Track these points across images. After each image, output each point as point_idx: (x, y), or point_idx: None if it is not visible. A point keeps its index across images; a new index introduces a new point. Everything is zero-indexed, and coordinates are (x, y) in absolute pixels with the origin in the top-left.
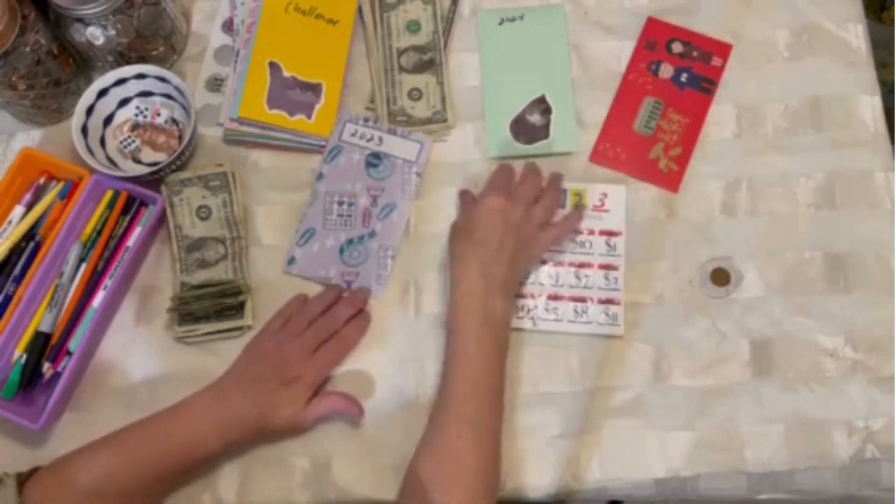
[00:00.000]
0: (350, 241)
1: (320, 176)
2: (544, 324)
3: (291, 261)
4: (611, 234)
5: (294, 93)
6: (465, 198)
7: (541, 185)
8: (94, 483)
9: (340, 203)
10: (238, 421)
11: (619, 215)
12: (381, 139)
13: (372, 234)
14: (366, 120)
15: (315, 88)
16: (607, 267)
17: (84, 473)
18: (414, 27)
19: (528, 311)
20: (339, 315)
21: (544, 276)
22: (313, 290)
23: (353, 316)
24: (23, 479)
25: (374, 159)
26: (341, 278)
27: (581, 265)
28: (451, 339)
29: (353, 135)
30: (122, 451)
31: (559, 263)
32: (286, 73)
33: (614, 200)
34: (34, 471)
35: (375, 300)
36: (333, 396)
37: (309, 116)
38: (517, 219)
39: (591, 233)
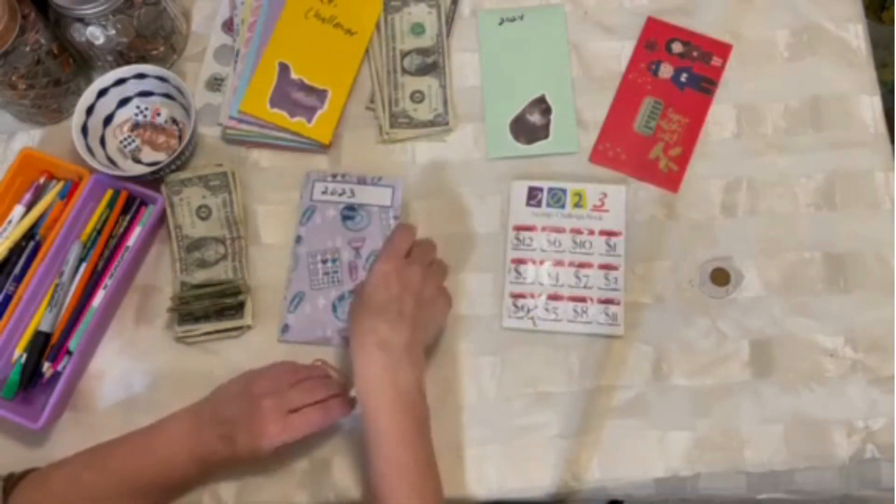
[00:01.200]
0: (342, 297)
1: (298, 239)
2: (544, 324)
3: (285, 329)
4: (611, 234)
5: (299, 95)
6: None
7: (434, 250)
8: (74, 500)
9: (324, 261)
10: (209, 452)
11: (619, 215)
12: (352, 191)
13: None
14: (333, 175)
15: (320, 94)
16: (607, 267)
17: (63, 489)
18: (418, 30)
19: (528, 311)
20: (330, 386)
21: (544, 276)
22: (310, 355)
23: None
24: (14, 481)
25: (350, 212)
26: (338, 335)
27: (581, 265)
28: (364, 421)
29: (325, 192)
30: (101, 470)
31: (559, 263)
32: (294, 75)
33: (614, 200)
34: (27, 473)
35: None
36: (309, 415)
37: (309, 120)
38: (415, 280)
39: (592, 233)
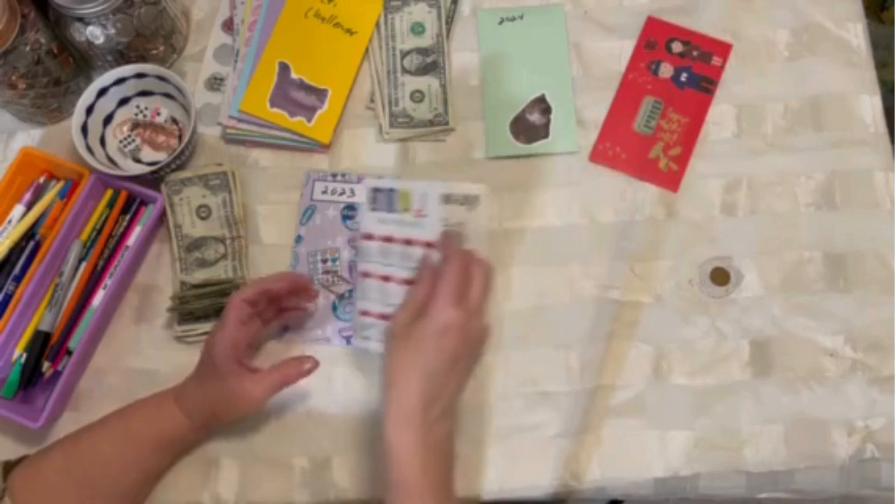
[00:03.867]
0: (341, 297)
1: (299, 239)
2: (364, 342)
3: (285, 328)
4: (429, 245)
5: (299, 95)
6: (421, 283)
7: (491, 274)
8: (76, 465)
9: (324, 261)
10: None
11: (434, 224)
12: (352, 191)
13: None
14: (333, 175)
15: (320, 94)
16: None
17: (64, 458)
18: (418, 29)
19: (366, 330)
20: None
21: (376, 292)
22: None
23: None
24: (10, 467)
25: (350, 211)
26: (339, 335)
27: (411, 281)
28: (391, 491)
29: (325, 192)
30: (102, 430)
31: (387, 278)
32: (294, 75)
33: (430, 205)
34: (21, 459)
35: (378, 350)
36: (282, 369)
37: (309, 120)
38: (475, 335)
39: (416, 243)
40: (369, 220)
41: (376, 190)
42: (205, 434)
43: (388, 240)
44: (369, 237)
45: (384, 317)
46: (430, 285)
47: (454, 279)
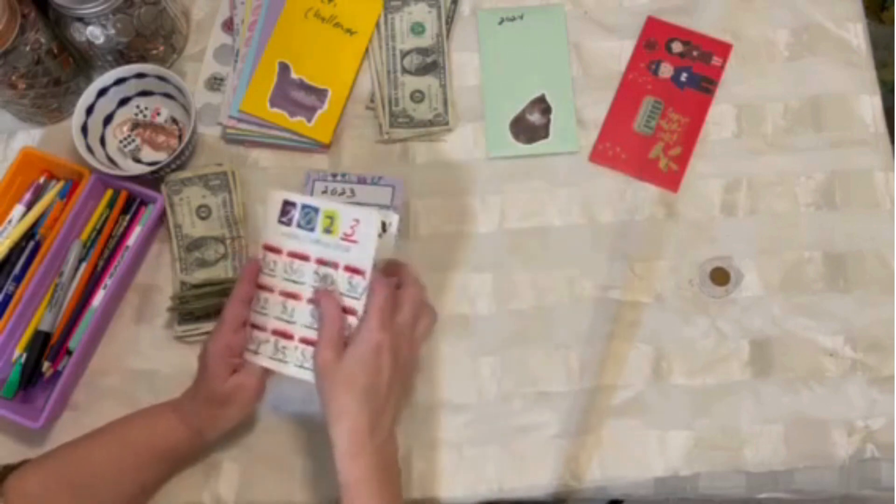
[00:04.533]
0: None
1: None
2: (272, 364)
3: None
4: (354, 271)
5: (299, 95)
6: (332, 318)
7: (423, 292)
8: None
9: None
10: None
11: (367, 250)
12: (352, 191)
13: None
14: (333, 175)
15: (320, 94)
16: (346, 310)
17: (60, 465)
18: (418, 29)
19: (259, 346)
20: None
21: (278, 309)
22: None
23: None
24: (8, 471)
25: None
26: None
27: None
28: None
29: (325, 192)
30: (99, 440)
31: (294, 296)
32: (294, 75)
33: (365, 230)
34: (22, 463)
35: None
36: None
37: (309, 120)
38: (406, 353)
39: (336, 266)
40: (274, 233)
41: (288, 203)
42: (202, 444)
43: (301, 257)
44: (274, 250)
45: (279, 333)
46: (340, 318)
47: (382, 304)
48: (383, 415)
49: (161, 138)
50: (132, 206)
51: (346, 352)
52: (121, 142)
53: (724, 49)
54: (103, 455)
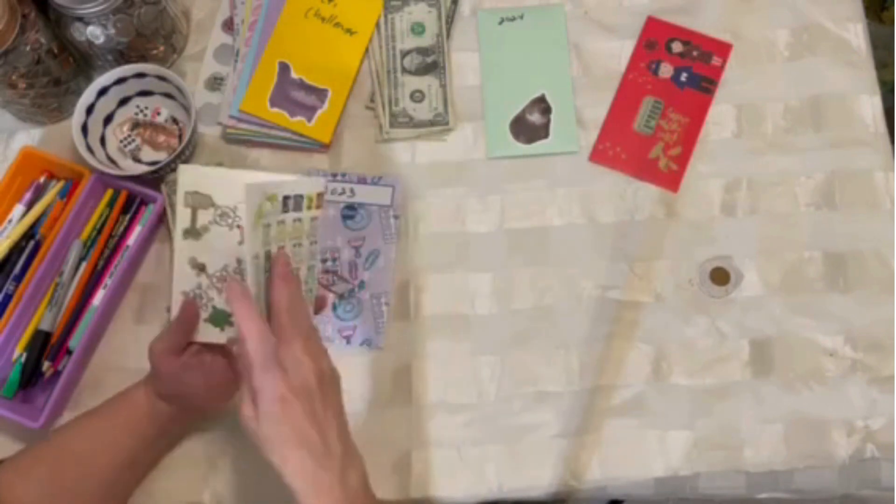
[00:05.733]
0: (341, 297)
1: None
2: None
3: None
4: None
5: (299, 94)
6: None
7: (309, 316)
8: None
9: (324, 261)
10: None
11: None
12: (352, 190)
13: (361, 286)
14: (333, 175)
15: (320, 93)
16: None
17: (44, 456)
18: (418, 29)
19: None
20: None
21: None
22: None
23: None
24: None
25: (350, 211)
26: (339, 335)
27: None
28: None
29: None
30: (79, 429)
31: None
32: (294, 75)
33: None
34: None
35: (378, 350)
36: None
37: (309, 120)
38: (313, 378)
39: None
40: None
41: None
42: (176, 414)
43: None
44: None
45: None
46: (259, 338)
47: (263, 346)
48: (327, 436)
49: (161, 138)
50: (132, 205)
51: (258, 411)
52: (121, 141)
53: (724, 49)
54: (77, 436)
